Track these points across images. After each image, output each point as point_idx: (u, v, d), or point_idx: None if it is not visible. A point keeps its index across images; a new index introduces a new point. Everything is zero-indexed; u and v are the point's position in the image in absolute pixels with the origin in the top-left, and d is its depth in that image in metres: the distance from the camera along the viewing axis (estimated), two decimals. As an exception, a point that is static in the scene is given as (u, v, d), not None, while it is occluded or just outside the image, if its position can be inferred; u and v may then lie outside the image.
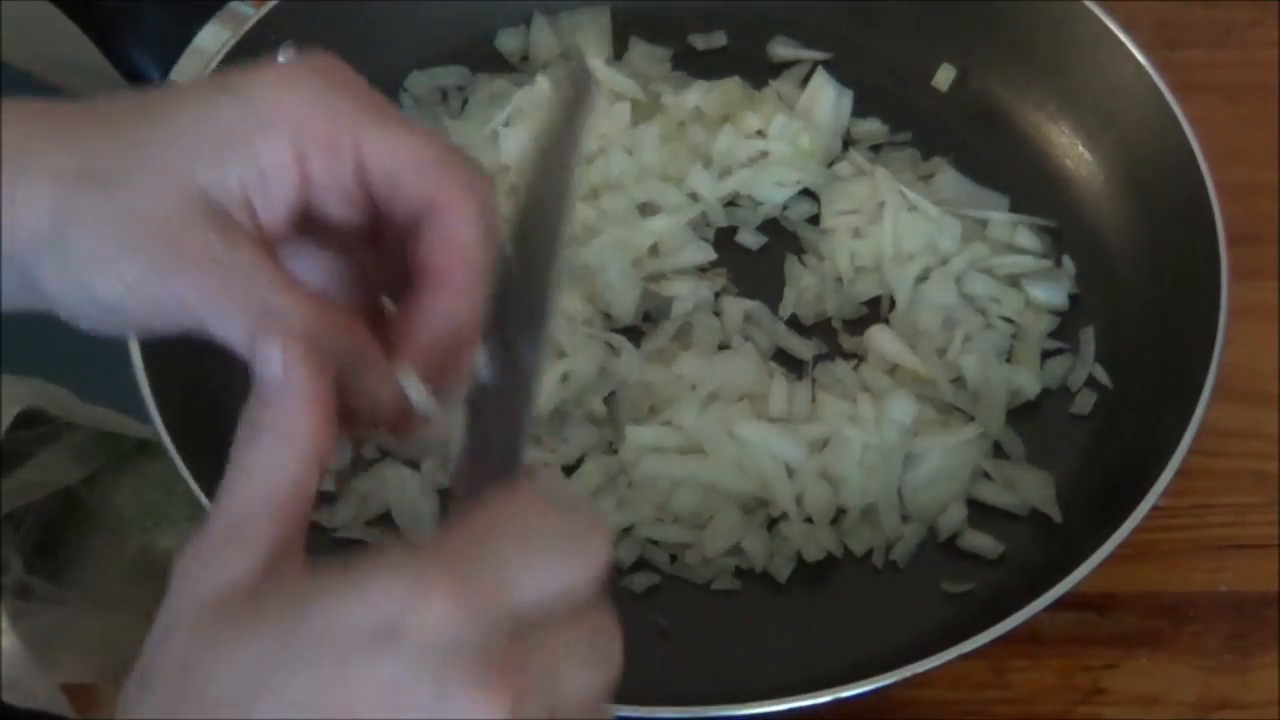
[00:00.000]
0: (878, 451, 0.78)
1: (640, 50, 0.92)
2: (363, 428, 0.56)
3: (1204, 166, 0.81)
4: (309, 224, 0.56)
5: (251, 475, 0.49)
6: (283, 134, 0.54)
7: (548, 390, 0.80)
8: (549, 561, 0.48)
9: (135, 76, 0.82)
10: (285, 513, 0.49)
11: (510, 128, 0.87)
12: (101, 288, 0.54)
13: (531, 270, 0.54)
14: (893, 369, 0.82)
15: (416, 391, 0.55)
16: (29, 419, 0.85)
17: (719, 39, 0.93)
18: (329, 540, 0.77)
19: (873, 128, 0.90)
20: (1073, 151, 0.88)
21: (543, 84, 0.88)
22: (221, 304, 0.54)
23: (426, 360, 0.56)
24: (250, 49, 0.83)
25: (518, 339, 0.53)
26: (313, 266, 0.58)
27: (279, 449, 0.50)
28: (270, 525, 0.49)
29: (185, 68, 0.82)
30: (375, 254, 0.58)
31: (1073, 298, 0.85)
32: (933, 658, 0.69)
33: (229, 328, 0.54)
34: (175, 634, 0.47)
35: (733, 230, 0.87)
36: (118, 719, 0.48)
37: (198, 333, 0.54)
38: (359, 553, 0.48)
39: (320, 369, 0.51)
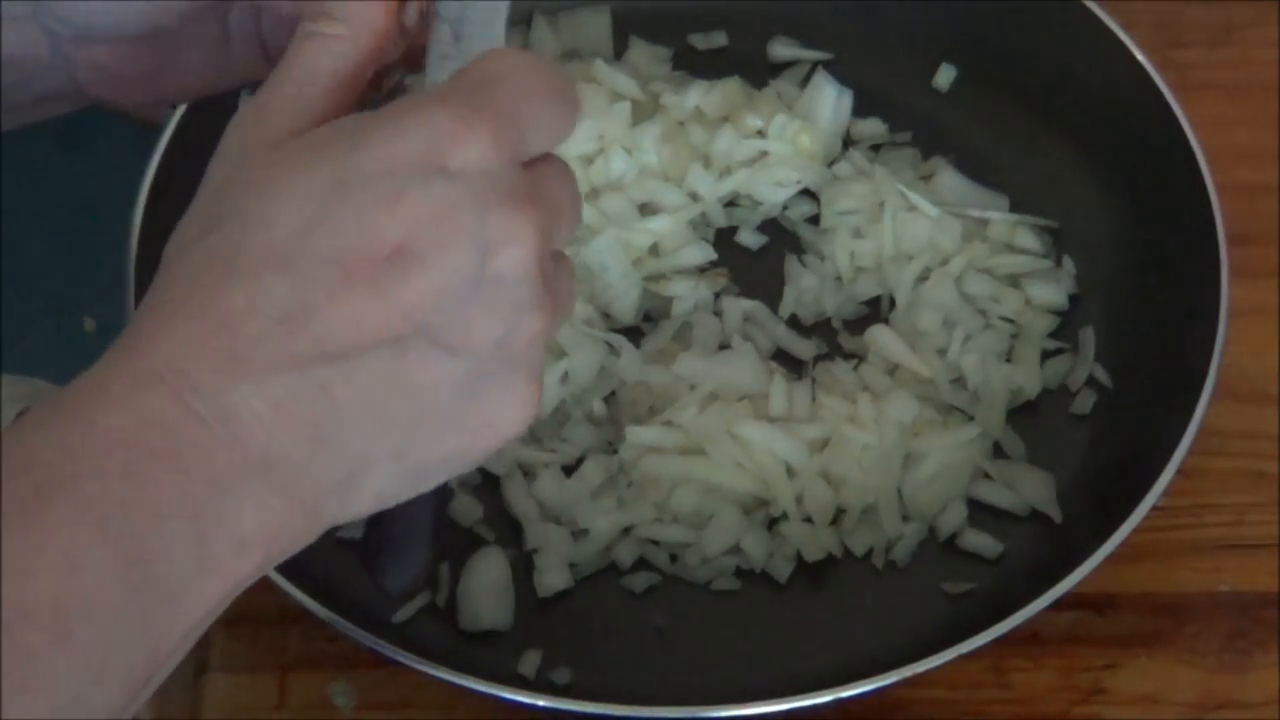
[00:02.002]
0: (878, 451, 0.78)
1: (640, 50, 0.92)
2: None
3: (1204, 166, 0.81)
4: None
5: (323, 52, 0.54)
6: None
7: (548, 390, 0.80)
8: (548, 112, 0.53)
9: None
10: (344, 91, 0.54)
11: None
12: None
13: None
14: (893, 369, 0.82)
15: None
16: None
17: (719, 39, 0.93)
18: (332, 541, 0.77)
19: (873, 128, 0.90)
20: (1073, 151, 0.88)
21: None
22: None
23: None
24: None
25: None
26: None
27: (353, 35, 0.55)
28: (328, 98, 0.54)
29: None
30: None
31: (1073, 298, 0.85)
32: (933, 658, 0.69)
33: None
34: (241, 171, 0.52)
35: (733, 230, 0.87)
36: (169, 258, 0.52)
37: None
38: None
39: None
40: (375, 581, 0.61)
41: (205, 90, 0.66)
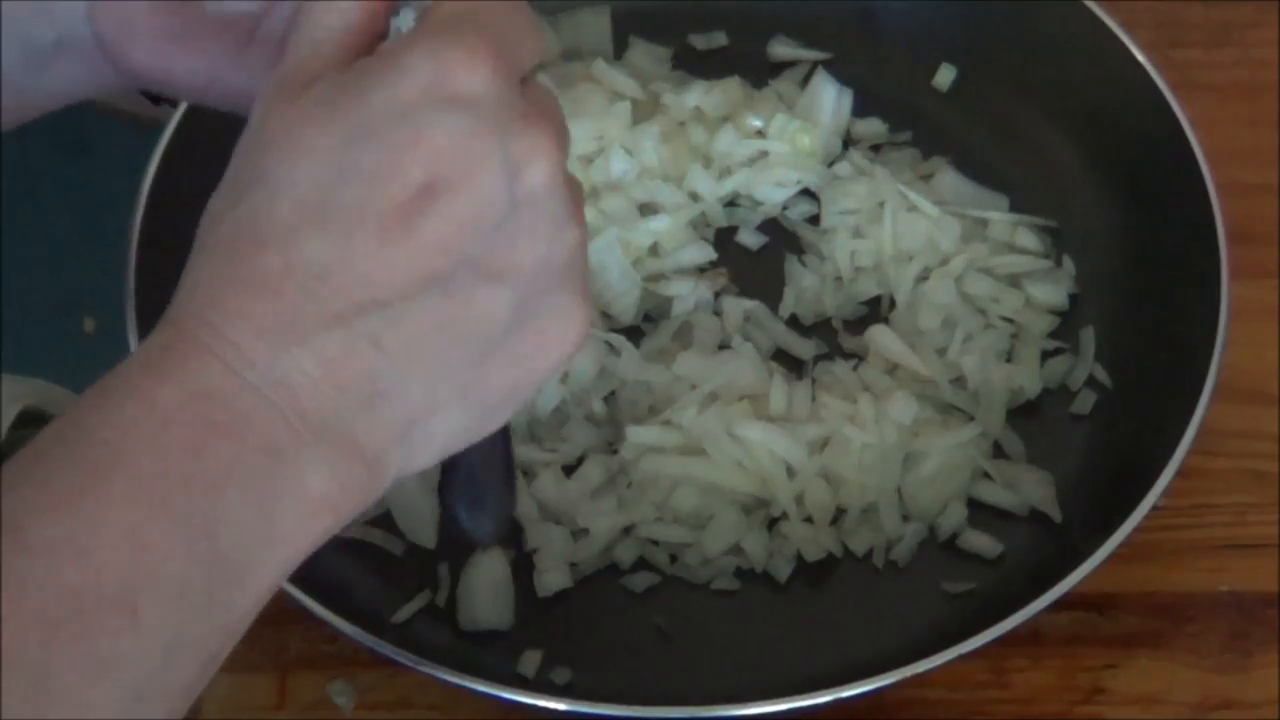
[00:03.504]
0: (878, 451, 0.78)
1: (640, 50, 0.92)
2: None
3: (1204, 166, 0.81)
4: None
5: (330, 11, 0.54)
6: None
7: (547, 390, 0.80)
8: (525, 33, 0.53)
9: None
10: (358, 46, 0.54)
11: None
12: None
13: None
14: (893, 369, 0.82)
15: None
16: (29, 419, 0.85)
17: (719, 39, 0.93)
18: (333, 542, 0.77)
19: (873, 128, 0.90)
20: (1073, 151, 0.88)
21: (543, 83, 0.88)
22: None
23: None
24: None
25: None
26: None
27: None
28: (342, 56, 0.53)
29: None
30: None
31: (1073, 298, 0.85)
32: (933, 658, 0.69)
33: None
34: (260, 135, 0.52)
35: (733, 230, 0.87)
36: (204, 232, 0.52)
37: None
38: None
39: None
40: (466, 533, 0.59)
41: (204, 86, 0.65)
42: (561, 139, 0.52)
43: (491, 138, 0.50)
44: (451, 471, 0.57)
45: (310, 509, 0.49)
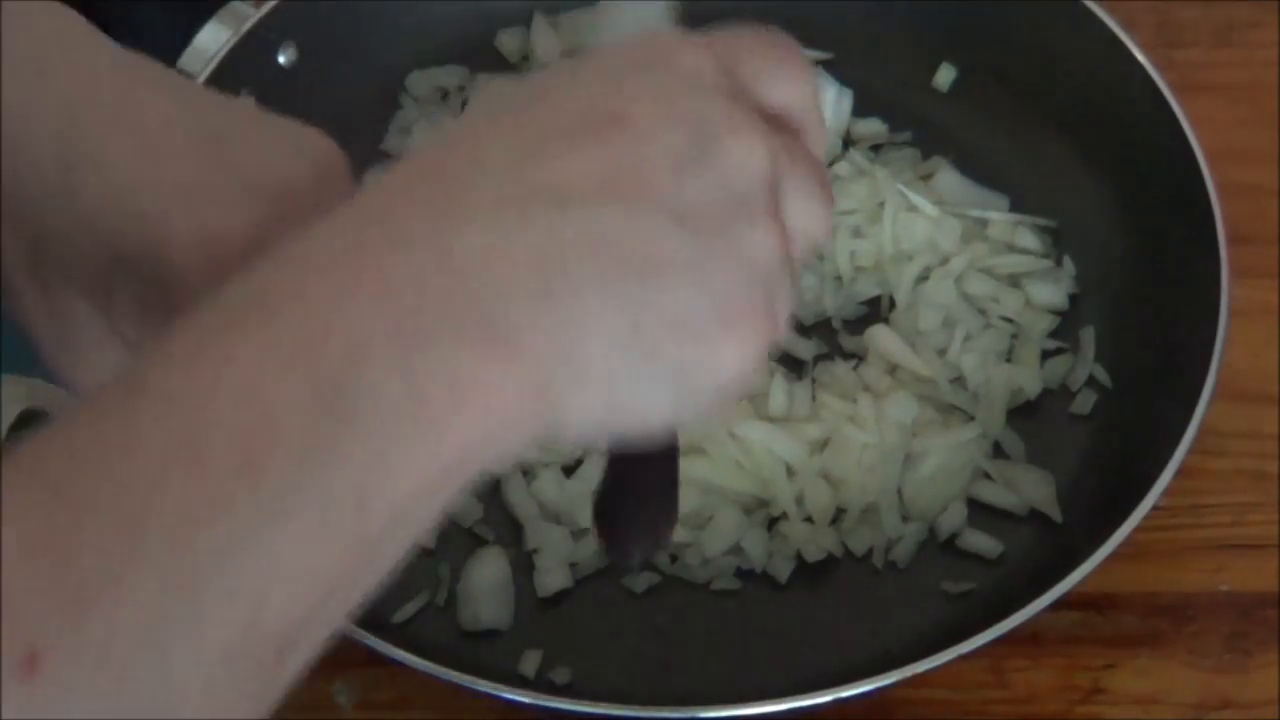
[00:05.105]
0: (878, 451, 0.78)
1: (640, 50, 0.92)
2: None
3: (1204, 166, 0.81)
4: None
5: None
6: None
7: (548, 390, 0.80)
8: (773, 62, 0.56)
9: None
10: None
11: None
12: None
13: None
14: (893, 369, 0.82)
15: None
16: (29, 419, 0.85)
17: (719, 39, 0.93)
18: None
19: (873, 128, 0.90)
20: (1073, 151, 0.88)
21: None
22: None
23: None
24: (250, 49, 0.83)
25: None
26: None
27: None
28: None
29: (185, 67, 0.82)
30: None
31: (1073, 298, 0.85)
32: (933, 658, 0.69)
33: None
34: None
35: (733, 230, 0.87)
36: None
37: None
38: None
39: None
40: (614, 553, 0.58)
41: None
42: (769, 135, 0.51)
43: (691, 98, 0.49)
44: (612, 480, 0.55)
45: (459, 390, 0.45)
